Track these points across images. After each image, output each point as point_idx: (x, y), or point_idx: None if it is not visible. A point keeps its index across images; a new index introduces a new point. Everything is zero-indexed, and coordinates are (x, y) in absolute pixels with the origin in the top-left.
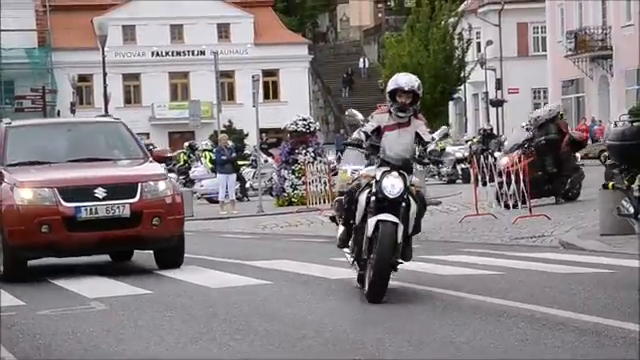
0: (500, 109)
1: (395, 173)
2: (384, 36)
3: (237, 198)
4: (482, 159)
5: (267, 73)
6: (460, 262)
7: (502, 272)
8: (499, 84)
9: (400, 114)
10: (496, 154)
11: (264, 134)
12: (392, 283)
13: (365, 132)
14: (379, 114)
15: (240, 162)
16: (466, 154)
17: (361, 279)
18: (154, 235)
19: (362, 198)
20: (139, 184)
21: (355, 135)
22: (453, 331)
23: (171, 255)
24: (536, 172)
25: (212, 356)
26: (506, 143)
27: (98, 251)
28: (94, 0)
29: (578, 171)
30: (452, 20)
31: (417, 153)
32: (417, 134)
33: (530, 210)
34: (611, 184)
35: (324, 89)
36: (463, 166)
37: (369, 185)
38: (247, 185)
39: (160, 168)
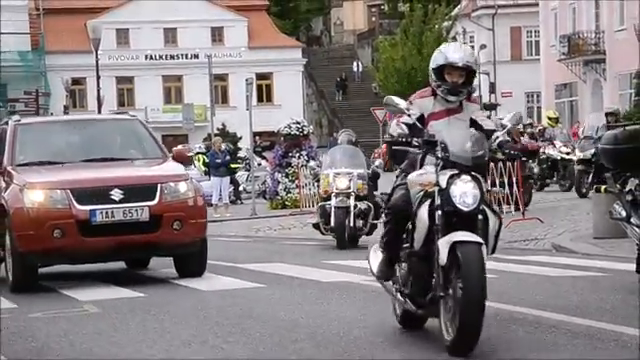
0: (494, 113)
1: (466, 177)
2: (378, 40)
3: (230, 201)
4: None
5: (261, 76)
6: None
7: (495, 275)
8: (493, 88)
9: (450, 98)
10: None
11: (258, 137)
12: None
13: (407, 124)
14: (420, 98)
15: (234, 165)
16: None
17: (408, 319)
18: (175, 240)
19: (423, 213)
20: (158, 185)
21: (396, 130)
22: None
23: (192, 262)
24: None
25: (204, 359)
26: None
27: (114, 258)
28: (88, 3)
29: (527, 181)
30: (446, 24)
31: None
32: (473, 122)
33: (523, 214)
34: (604, 187)
35: (318, 92)
36: None
37: (427, 195)
38: (240, 188)
39: (181, 168)
